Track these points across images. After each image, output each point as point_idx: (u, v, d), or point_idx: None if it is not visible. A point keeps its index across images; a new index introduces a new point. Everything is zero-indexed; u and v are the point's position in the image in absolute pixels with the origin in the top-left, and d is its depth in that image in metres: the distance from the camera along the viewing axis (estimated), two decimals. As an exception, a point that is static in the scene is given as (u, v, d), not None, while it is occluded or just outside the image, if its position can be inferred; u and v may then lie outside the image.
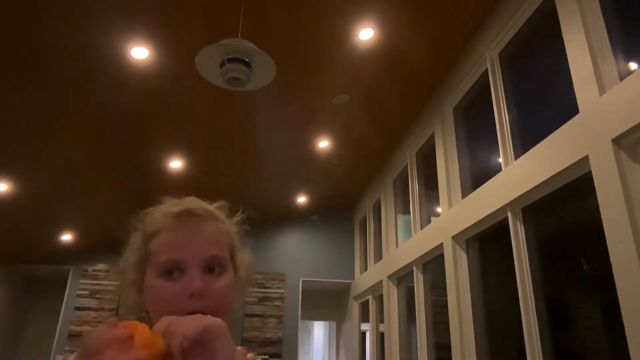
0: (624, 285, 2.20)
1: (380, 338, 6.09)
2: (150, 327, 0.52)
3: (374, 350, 6.31)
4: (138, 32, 3.47)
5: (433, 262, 4.69)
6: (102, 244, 6.58)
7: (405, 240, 5.38)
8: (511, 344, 3.38)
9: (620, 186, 2.28)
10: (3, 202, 5.21)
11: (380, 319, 6.13)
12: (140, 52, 3.64)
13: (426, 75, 4.51)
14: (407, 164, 5.49)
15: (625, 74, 2.45)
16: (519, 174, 3.17)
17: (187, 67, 3.70)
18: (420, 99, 4.91)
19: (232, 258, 0.74)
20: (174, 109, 4.47)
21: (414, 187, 5.26)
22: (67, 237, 6.57)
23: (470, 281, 3.87)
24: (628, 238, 2.20)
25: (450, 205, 4.23)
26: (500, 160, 3.51)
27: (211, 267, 0.67)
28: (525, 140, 3.33)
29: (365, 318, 6.86)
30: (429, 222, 4.84)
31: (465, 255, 4.00)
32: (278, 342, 6.99)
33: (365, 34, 3.77)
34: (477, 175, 4.04)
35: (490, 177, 3.55)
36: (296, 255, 7.56)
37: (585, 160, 2.56)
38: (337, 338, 8.49)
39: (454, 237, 4.05)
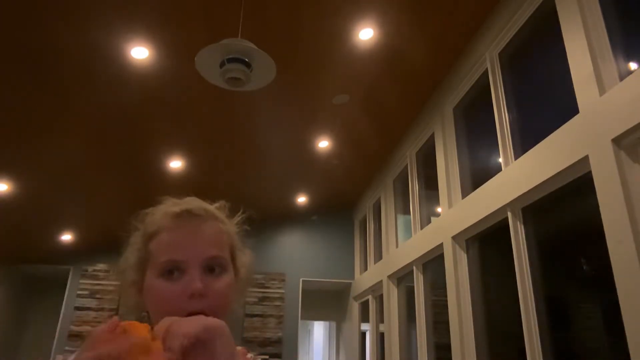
0: (624, 285, 2.21)
1: (380, 338, 6.09)
2: (151, 327, 0.52)
3: (374, 350, 6.31)
4: (138, 32, 3.47)
5: (433, 262, 4.70)
6: (102, 244, 6.58)
7: (405, 240, 5.38)
8: (511, 344, 3.39)
9: (620, 186, 2.28)
10: (3, 202, 5.21)
11: (380, 319, 6.13)
12: (140, 52, 3.64)
13: (426, 75, 4.51)
14: (407, 164, 5.49)
15: (625, 74, 2.45)
16: (519, 174, 3.17)
17: (187, 67, 3.70)
18: (420, 99, 4.91)
19: (233, 258, 0.74)
20: (174, 109, 4.47)
21: (414, 187, 5.26)
22: (67, 237, 6.57)
23: (470, 281, 3.87)
24: (628, 238, 2.20)
25: (450, 205, 4.23)
26: (500, 160, 3.51)
27: (211, 268, 0.67)
28: (525, 140, 3.33)
29: (365, 318, 6.86)
30: (429, 222, 4.84)
31: (465, 255, 4.00)
32: (278, 342, 6.99)
33: (365, 34, 3.77)
34: (477, 175, 4.04)
35: (490, 177, 3.55)
36: (296, 255, 7.56)
37: (585, 160, 2.57)
38: (337, 338, 8.49)
39: (454, 237, 4.05)
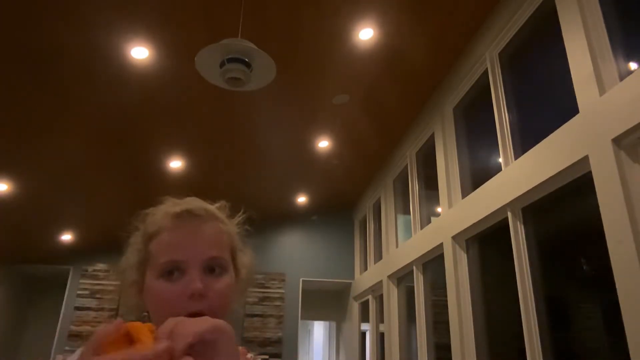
0: (624, 285, 2.21)
1: (380, 338, 6.09)
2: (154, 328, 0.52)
3: (374, 350, 6.31)
4: (138, 32, 3.47)
5: (433, 262, 4.70)
6: (102, 244, 6.58)
7: (405, 240, 5.38)
8: (511, 344, 3.39)
9: (620, 186, 2.28)
10: (3, 202, 5.21)
11: (380, 319, 6.13)
12: (140, 52, 3.64)
13: (426, 75, 4.51)
14: (407, 164, 5.49)
15: (625, 74, 2.45)
16: (519, 174, 3.17)
17: (187, 67, 3.70)
18: (420, 99, 4.92)
19: (233, 258, 0.74)
20: (174, 109, 4.47)
21: (414, 187, 5.26)
22: (67, 237, 6.57)
23: (470, 281, 3.87)
24: (628, 238, 2.20)
25: (450, 205, 4.23)
26: (500, 160, 3.51)
27: (211, 268, 0.67)
28: (525, 140, 3.33)
29: (365, 318, 6.86)
30: (429, 222, 4.84)
31: (465, 255, 4.00)
32: (278, 342, 6.99)
33: (365, 34, 3.77)
34: (477, 175, 4.04)
35: (490, 177, 3.55)
36: (296, 255, 7.56)
37: (585, 160, 2.57)
38: (337, 338, 8.49)
39: (454, 237, 4.05)
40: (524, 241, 3.20)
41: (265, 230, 7.38)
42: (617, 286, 2.24)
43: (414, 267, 4.97)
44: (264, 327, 7.02)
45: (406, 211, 5.51)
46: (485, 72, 3.85)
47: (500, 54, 3.72)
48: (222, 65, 2.73)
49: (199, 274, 0.65)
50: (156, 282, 0.66)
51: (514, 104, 3.55)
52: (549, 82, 3.31)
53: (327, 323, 9.29)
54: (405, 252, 5.20)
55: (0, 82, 3.71)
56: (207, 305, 0.64)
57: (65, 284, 6.92)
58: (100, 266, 6.97)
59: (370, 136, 5.60)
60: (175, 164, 5.46)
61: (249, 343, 6.79)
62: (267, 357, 6.71)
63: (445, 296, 4.04)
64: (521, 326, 3.01)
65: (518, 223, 3.25)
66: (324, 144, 5.51)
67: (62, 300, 6.82)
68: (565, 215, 3.13)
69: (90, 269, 6.96)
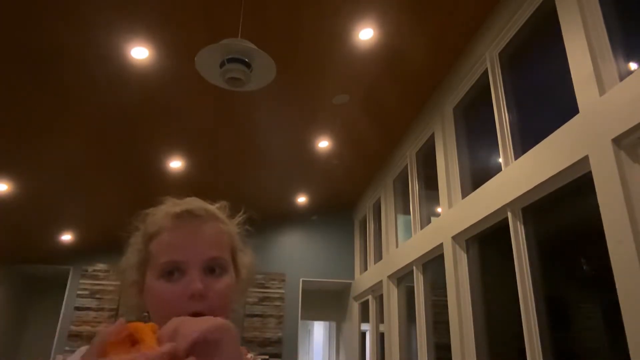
0: (624, 285, 2.21)
1: (380, 338, 6.09)
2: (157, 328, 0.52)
3: (374, 350, 6.31)
4: (138, 32, 3.47)
5: (433, 262, 4.70)
6: (102, 244, 6.58)
7: (405, 240, 5.38)
8: (511, 344, 3.39)
9: (620, 186, 2.28)
10: (3, 202, 5.21)
11: (380, 319, 6.13)
12: (140, 52, 3.64)
13: (426, 75, 4.51)
14: (407, 164, 5.49)
15: (625, 74, 2.45)
16: (519, 174, 3.17)
17: (187, 67, 3.70)
18: (420, 99, 4.92)
19: (234, 259, 0.73)
20: (174, 109, 4.47)
21: (414, 187, 5.26)
22: (67, 237, 6.56)
23: (470, 281, 3.87)
24: (628, 238, 2.20)
25: (450, 205, 4.23)
26: (500, 160, 3.51)
27: (212, 269, 0.67)
28: (525, 140, 3.33)
29: (365, 318, 6.86)
30: (429, 222, 4.84)
31: (465, 255, 4.00)
32: (278, 342, 6.99)
33: (365, 34, 3.77)
34: (477, 175, 4.04)
35: (490, 177, 3.55)
36: (296, 255, 7.56)
37: (585, 160, 2.57)
38: (337, 338, 8.49)
39: (454, 237, 4.05)
40: (524, 241, 3.20)
41: (265, 230, 7.38)
42: (617, 286, 2.24)
43: (414, 267, 4.97)
44: (264, 327, 7.02)
45: (406, 211, 5.51)
46: (485, 72, 3.85)
47: (500, 54, 3.72)
48: (222, 65, 2.73)
49: (199, 275, 0.65)
50: (156, 282, 0.66)
51: (514, 104, 3.55)
52: (549, 82, 3.31)
53: (327, 323, 9.29)
54: (405, 252, 5.20)
55: (0, 82, 3.71)
56: (208, 305, 0.64)
57: (65, 284, 6.92)
58: (100, 266, 6.97)
59: (370, 136, 5.60)
60: (175, 164, 5.46)
61: (249, 343, 6.79)
62: (267, 357, 6.71)
63: (445, 296, 4.04)
64: (521, 326, 3.01)
65: (518, 223, 3.25)
66: (324, 144, 5.51)
67: (62, 300, 6.82)
68: (565, 215, 3.13)
69: (90, 269, 6.96)
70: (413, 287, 4.96)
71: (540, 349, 2.91)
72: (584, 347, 2.87)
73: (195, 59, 2.73)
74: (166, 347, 0.46)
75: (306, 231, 7.71)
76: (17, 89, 3.79)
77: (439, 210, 4.48)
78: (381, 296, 6.03)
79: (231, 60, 2.71)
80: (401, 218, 5.80)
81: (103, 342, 0.47)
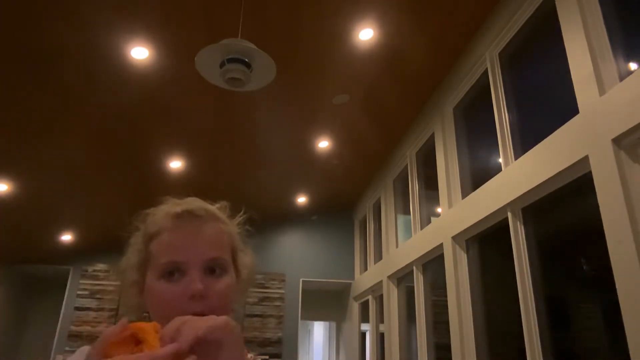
0: (624, 285, 2.21)
1: (380, 338, 6.09)
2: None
3: (374, 350, 6.31)
4: (138, 32, 3.47)
5: (433, 262, 4.70)
6: (102, 244, 6.58)
7: (405, 240, 5.38)
8: (511, 344, 3.39)
9: (620, 186, 2.28)
10: (3, 202, 5.21)
11: (380, 319, 6.13)
12: (140, 52, 3.64)
13: (426, 75, 4.51)
14: (407, 164, 5.49)
15: (625, 74, 2.45)
16: (519, 174, 3.17)
17: (187, 67, 3.70)
18: (420, 99, 4.91)
19: (234, 259, 0.73)
20: (174, 109, 4.47)
21: (414, 187, 5.26)
22: (67, 237, 6.56)
23: (470, 281, 3.87)
24: (628, 238, 2.20)
25: (450, 205, 4.23)
26: (500, 160, 3.51)
27: (212, 269, 0.67)
28: (525, 141, 3.33)
29: (365, 318, 6.86)
30: (429, 222, 4.84)
31: (465, 255, 4.00)
32: (278, 342, 6.99)
33: (365, 34, 3.77)
34: (477, 175, 4.04)
35: (490, 177, 3.55)
36: (296, 255, 7.56)
37: (585, 160, 2.57)
38: (337, 338, 8.49)
39: (454, 237, 4.05)
40: (524, 241, 3.20)
41: (265, 230, 7.38)
42: (617, 286, 2.24)
43: (414, 267, 4.97)
44: (263, 327, 7.02)
45: (406, 211, 5.51)
46: (485, 72, 3.85)
47: (500, 54, 3.72)
48: (222, 65, 2.73)
49: (199, 275, 0.65)
50: (157, 282, 0.66)
51: (514, 104, 3.55)
52: (549, 82, 3.31)
53: (327, 323, 9.29)
54: (405, 252, 5.20)
55: (0, 82, 3.71)
56: (208, 306, 0.64)
57: (65, 284, 6.92)
58: (100, 266, 6.97)
59: (370, 136, 5.60)
60: (175, 164, 5.46)
61: (249, 343, 6.79)
62: (267, 357, 6.71)
63: (445, 296, 4.04)
64: (521, 326, 3.01)
65: (518, 223, 3.25)
66: (324, 144, 5.51)
67: (62, 300, 6.82)
68: (565, 216, 3.13)
69: (90, 269, 6.96)
70: (413, 287, 4.96)
71: (540, 349, 2.91)
72: (584, 347, 2.87)
73: (195, 59, 2.73)
74: (170, 347, 0.46)
75: (306, 231, 7.71)
76: (17, 89, 3.79)
77: (439, 210, 4.48)
78: (381, 296, 6.03)
79: (231, 60, 2.71)
80: (401, 218, 5.80)
81: (106, 342, 0.47)
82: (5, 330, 6.96)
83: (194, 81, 3.56)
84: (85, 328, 6.64)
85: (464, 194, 4.09)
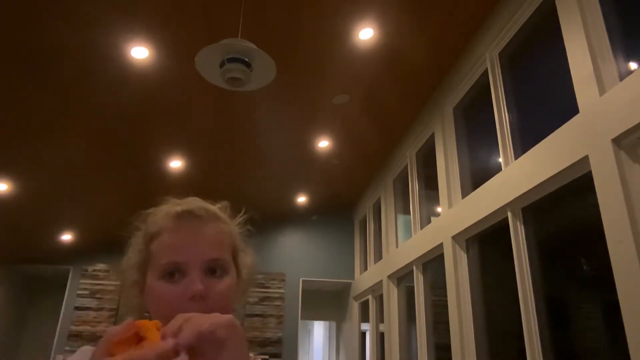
0: (624, 285, 2.21)
1: (380, 338, 6.09)
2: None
3: (374, 350, 6.31)
4: (138, 32, 3.47)
5: (433, 262, 4.70)
6: (102, 244, 6.58)
7: (405, 240, 5.38)
8: (511, 344, 3.39)
9: (620, 186, 2.28)
10: (3, 202, 5.21)
11: (380, 319, 6.13)
12: (140, 52, 3.64)
13: (426, 75, 4.51)
14: (407, 164, 5.49)
15: (625, 74, 2.45)
16: (519, 174, 3.17)
17: (187, 67, 3.70)
18: (420, 99, 4.92)
19: (234, 259, 0.73)
20: (174, 109, 4.47)
21: (414, 187, 5.26)
22: (67, 237, 6.56)
23: (470, 281, 3.87)
24: (628, 238, 2.20)
25: (450, 205, 4.23)
26: (500, 160, 3.51)
27: (212, 269, 0.67)
28: (525, 140, 3.33)
29: (365, 318, 6.86)
30: (429, 222, 4.84)
31: (465, 255, 4.00)
32: (278, 342, 6.99)
33: (365, 34, 3.77)
34: (477, 175, 4.04)
35: (490, 177, 3.55)
36: (296, 255, 7.56)
37: (585, 160, 2.57)
38: (337, 338, 8.49)
39: (454, 237, 4.05)
40: (524, 241, 3.20)
41: (265, 230, 7.38)
42: (617, 286, 2.24)
43: (414, 267, 4.97)
44: (264, 327, 7.03)
45: (406, 211, 5.51)
46: (485, 72, 3.85)
47: (500, 54, 3.72)
48: (222, 65, 2.73)
49: (199, 276, 0.65)
50: (157, 283, 0.66)
51: (514, 104, 3.55)
52: (549, 82, 3.31)
53: (327, 323, 9.29)
54: (405, 252, 5.20)
55: (0, 82, 3.71)
56: (208, 306, 0.63)
57: (65, 284, 6.92)
58: (101, 266, 6.97)
59: (370, 136, 5.60)
60: (175, 164, 5.46)
61: (249, 343, 6.78)
62: (267, 357, 6.71)
63: (445, 296, 4.04)
64: (521, 326, 3.01)
65: (518, 223, 3.25)
66: (324, 144, 5.51)
67: (62, 300, 6.82)
68: (565, 215, 3.13)
69: (90, 269, 6.96)
70: (413, 287, 4.96)
71: (540, 349, 2.91)
72: (584, 347, 2.87)
73: (195, 59, 2.73)
74: (167, 342, 0.46)
75: (306, 231, 7.71)
76: (17, 89, 3.79)
77: (439, 210, 4.48)
78: (381, 296, 6.03)
79: (231, 60, 2.71)
80: (401, 218, 5.80)
81: (109, 341, 0.47)
82: (5, 330, 6.96)
83: (194, 81, 3.56)
84: (86, 328, 6.64)
85: (464, 194, 4.09)
